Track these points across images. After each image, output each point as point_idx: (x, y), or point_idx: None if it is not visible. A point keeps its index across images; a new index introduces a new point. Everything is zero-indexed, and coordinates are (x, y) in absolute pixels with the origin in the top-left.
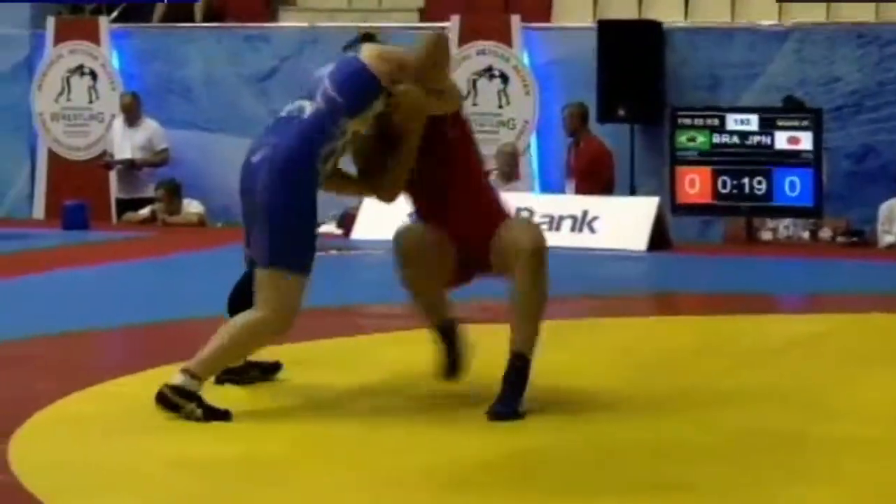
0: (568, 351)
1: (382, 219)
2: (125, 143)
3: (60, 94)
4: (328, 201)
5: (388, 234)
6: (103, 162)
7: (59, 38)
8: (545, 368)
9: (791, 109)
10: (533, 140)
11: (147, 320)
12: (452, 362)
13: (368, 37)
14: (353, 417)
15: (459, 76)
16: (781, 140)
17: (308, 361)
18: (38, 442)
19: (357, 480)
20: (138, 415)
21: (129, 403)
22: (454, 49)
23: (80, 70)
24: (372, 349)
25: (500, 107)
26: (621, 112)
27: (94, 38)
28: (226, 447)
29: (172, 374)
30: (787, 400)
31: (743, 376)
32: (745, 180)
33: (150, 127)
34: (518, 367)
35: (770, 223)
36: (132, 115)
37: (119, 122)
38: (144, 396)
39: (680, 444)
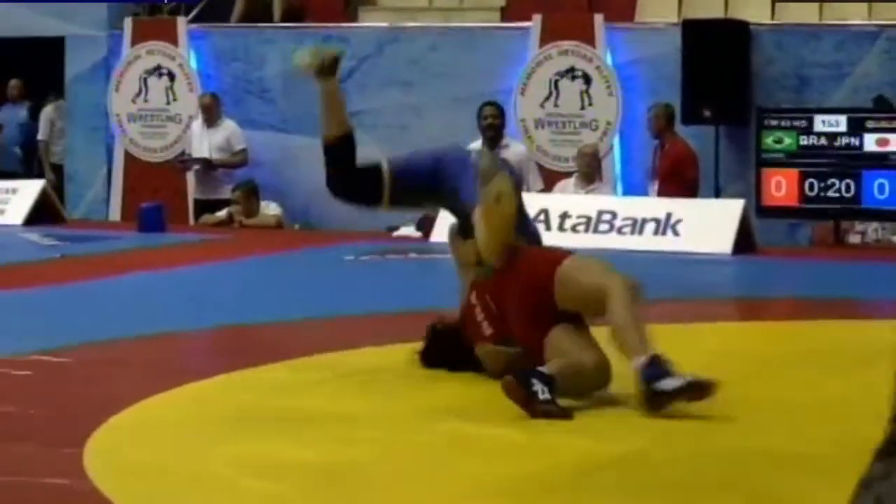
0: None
1: None
2: (203, 143)
3: (137, 95)
4: None
5: None
6: (178, 160)
7: (137, 38)
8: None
9: (881, 110)
10: (616, 141)
11: (225, 323)
12: None
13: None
14: (437, 422)
15: (541, 76)
16: (870, 142)
17: (386, 366)
18: (115, 446)
19: (446, 487)
20: (217, 419)
21: (209, 408)
22: (535, 49)
23: (157, 71)
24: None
25: (583, 108)
26: (706, 113)
27: (172, 38)
28: (308, 452)
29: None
30: (881, 410)
31: (832, 384)
32: (833, 183)
33: (228, 127)
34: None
35: (858, 226)
36: (212, 115)
37: (198, 123)
38: (224, 401)
39: (767, 453)
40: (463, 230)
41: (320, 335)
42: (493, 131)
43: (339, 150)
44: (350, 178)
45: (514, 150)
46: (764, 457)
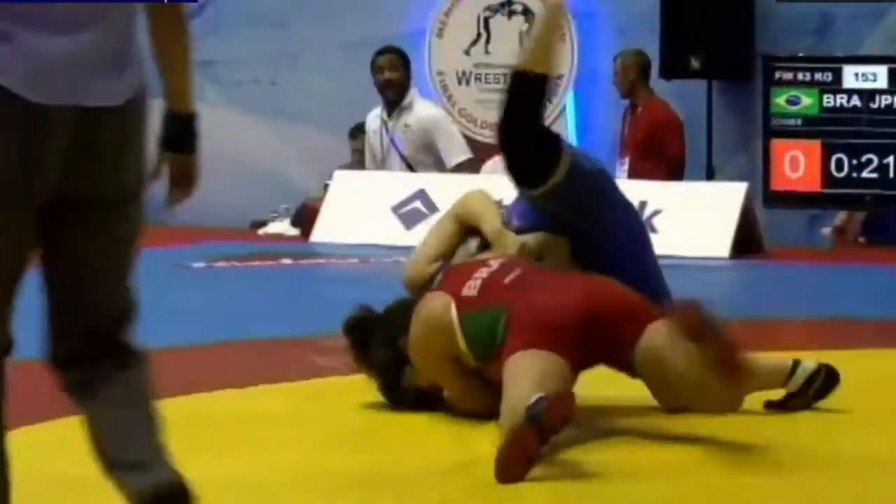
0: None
1: (352, 215)
2: None
3: None
4: (276, 192)
5: (361, 235)
6: None
7: None
8: (609, 411)
9: None
10: (569, 102)
11: (31, 356)
12: None
13: None
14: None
15: (466, 13)
16: None
17: (252, 415)
18: None
19: None
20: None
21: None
22: None
23: None
24: (342, 395)
25: None
26: (694, 64)
27: None
28: None
29: None
30: None
31: (869, 437)
32: (870, 159)
33: None
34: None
35: None
36: None
37: None
38: (31, 463)
39: None
40: None
41: (160, 372)
42: (393, 89)
43: (534, 86)
44: (533, 124)
45: (417, 112)
46: None
